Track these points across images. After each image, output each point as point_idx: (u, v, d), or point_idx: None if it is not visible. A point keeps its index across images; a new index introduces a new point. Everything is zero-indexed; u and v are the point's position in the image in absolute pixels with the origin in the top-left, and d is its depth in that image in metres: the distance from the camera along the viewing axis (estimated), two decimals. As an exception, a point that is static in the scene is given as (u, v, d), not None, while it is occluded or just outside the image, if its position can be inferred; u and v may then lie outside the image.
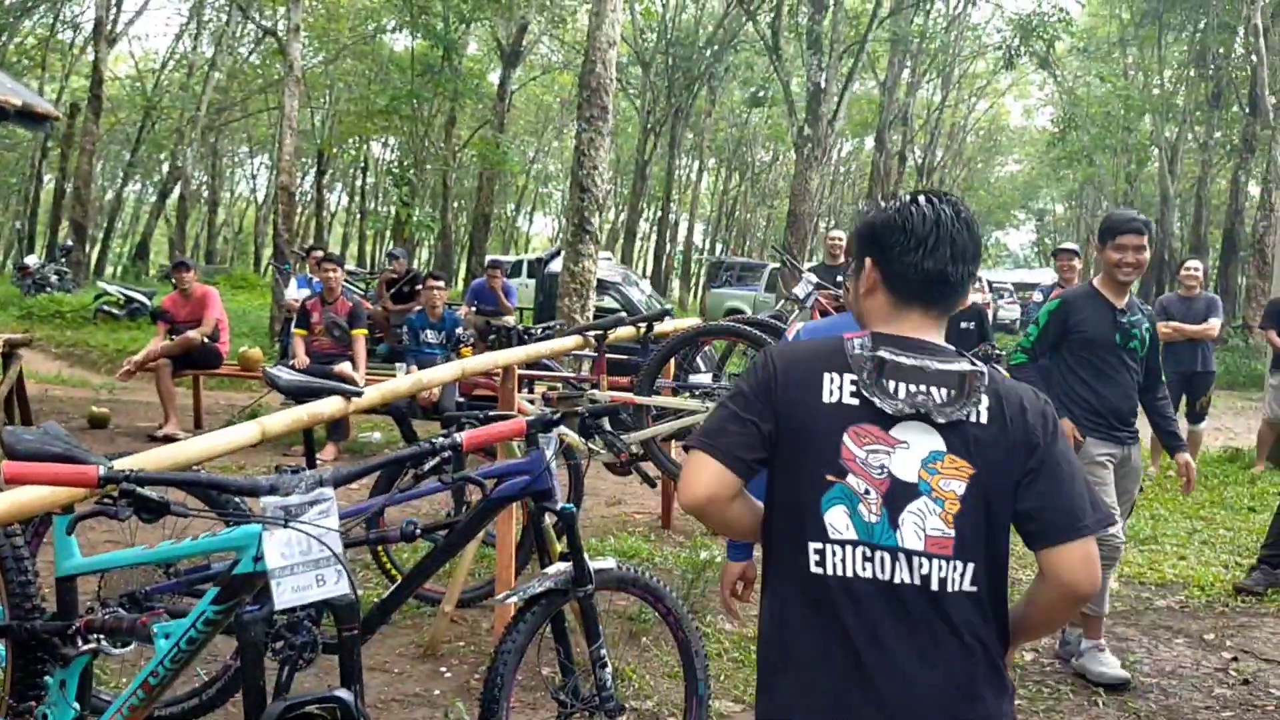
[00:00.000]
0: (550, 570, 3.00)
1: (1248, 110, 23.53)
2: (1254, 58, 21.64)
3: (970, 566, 1.75)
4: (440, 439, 2.50)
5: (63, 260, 23.68)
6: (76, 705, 2.40)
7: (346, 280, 10.60)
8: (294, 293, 11.01)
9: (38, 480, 1.91)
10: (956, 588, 1.74)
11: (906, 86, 29.24)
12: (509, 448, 3.84)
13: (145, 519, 1.92)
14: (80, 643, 2.36)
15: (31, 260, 23.13)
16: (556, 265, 11.02)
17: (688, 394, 5.41)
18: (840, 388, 1.79)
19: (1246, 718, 4.06)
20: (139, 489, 1.91)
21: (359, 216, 45.92)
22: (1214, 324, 8.64)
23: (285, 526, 2.02)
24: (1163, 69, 29.69)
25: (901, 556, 1.73)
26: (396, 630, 4.58)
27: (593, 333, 5.72)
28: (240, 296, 24.25)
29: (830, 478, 1.76)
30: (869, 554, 1.74)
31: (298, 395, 3.45)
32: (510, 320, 10.59)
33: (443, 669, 4.23)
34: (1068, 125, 30.00)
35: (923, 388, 1.77)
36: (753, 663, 4.37)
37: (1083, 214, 48.48)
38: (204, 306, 9.16)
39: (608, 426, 4.21)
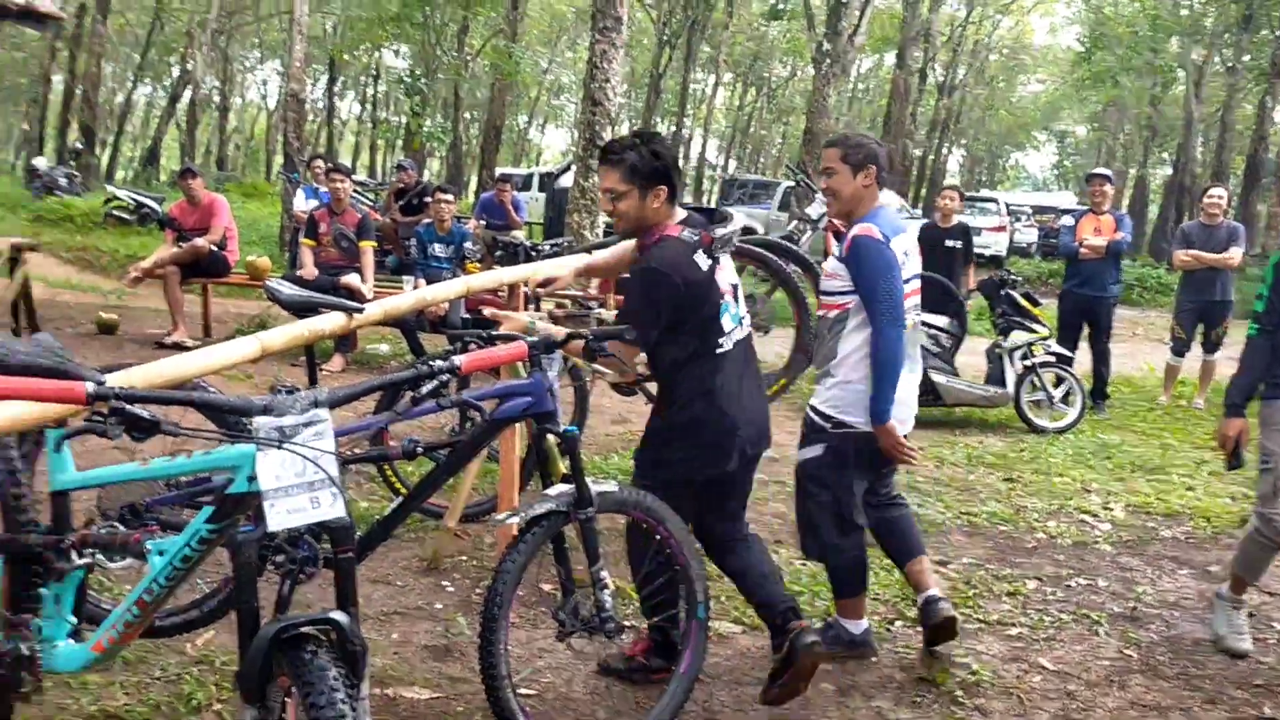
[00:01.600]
0: (552, 491, 2.98)
1: (1278, 34, 22.88)
2: (1290, -22, 21.02)
3: (748, 316, 3.43)
4: (438, 362, 2.45)
5: (73, 163, 23.36)
6: (72, 619, 2.39)
7: (355, 191, 10.45)
8: (302, 203, 10.89)
9: (22, 396, 1.86)
10: (749, 329, 3.42)
11: (930, 1, 28.49)
12: (513, 367, 3.80)
13: (136, 437, 1.88)
14: (75, 557, 2.34)
15: (41, 162, 22.88)
16: (567, 180, 10.86)
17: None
18: (702, 260, 3.21)
19: (1247, 651, 4.05)
20: (128, 406, 1.87)
21: (371, 126, 45.35)
22: (1235, 253, 8.47)
23: (279, 448, 1.98)
24: (1194, -12, 28.90)
25: (743, 321, 3.37)
26: (400, 544, 4.59)
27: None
28: (251, 205, 24.08)
29: (719, 301, 3.25)
30: (736, 330, 3.32)
31: (298, 310, 3.39)
32: (519, 235, 10.47)
33: (445, 583, 4.25)
34: (1093, 44, 29.28)
35: (721, 239, 3.28)
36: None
37: (1105, 137, 47.65)
38: (211, 214, 9.07)
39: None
